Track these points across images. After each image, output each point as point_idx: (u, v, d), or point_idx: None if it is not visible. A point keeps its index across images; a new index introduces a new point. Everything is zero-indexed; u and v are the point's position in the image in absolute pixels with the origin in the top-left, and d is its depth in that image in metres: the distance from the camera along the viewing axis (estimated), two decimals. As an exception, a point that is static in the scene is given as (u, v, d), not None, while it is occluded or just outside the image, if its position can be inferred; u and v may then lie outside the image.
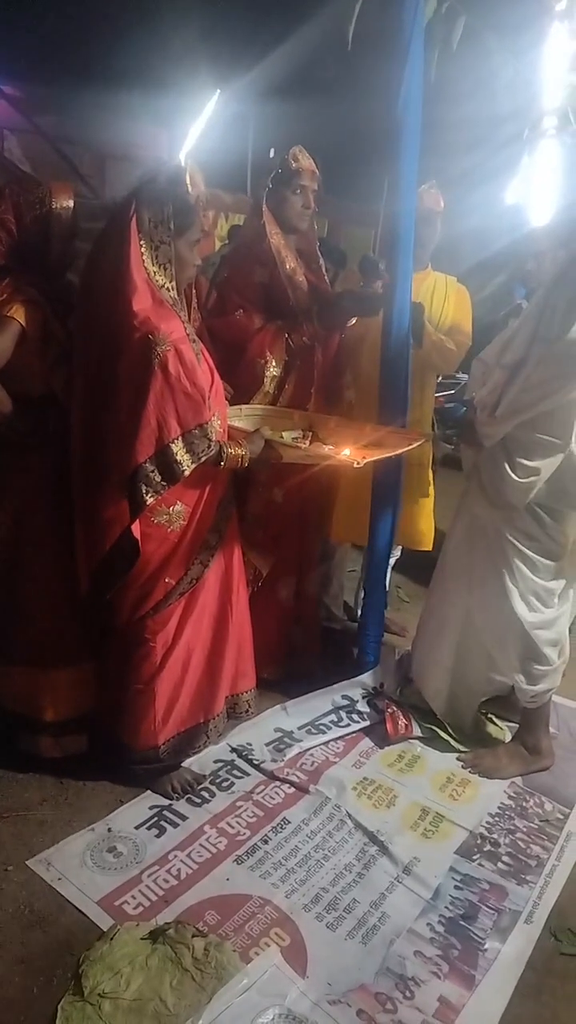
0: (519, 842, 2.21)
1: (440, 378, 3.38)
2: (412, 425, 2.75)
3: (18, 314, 2.01)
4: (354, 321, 2.86)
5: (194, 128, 6.79)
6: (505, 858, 2.14)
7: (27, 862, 1.99)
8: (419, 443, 2.57)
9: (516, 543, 2.31)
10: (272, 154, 2.60)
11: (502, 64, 2.72)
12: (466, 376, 4.70)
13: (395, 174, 2.52)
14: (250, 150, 7.11)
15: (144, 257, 1.92)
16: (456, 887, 2.02)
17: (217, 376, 2.11)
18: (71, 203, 2.11)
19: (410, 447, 2.46)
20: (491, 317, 3.44)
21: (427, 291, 2.95)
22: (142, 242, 1.91)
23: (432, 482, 3.15)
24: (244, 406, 2.44)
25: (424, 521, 3.12)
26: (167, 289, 1.96)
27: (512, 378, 2.18)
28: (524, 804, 2.38)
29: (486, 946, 1.85)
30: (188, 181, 1.97)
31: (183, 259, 2.00)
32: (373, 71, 2.53)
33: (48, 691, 2.27)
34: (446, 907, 1.96)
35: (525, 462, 2.20)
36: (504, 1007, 1.71)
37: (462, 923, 1.91)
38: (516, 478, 2.21)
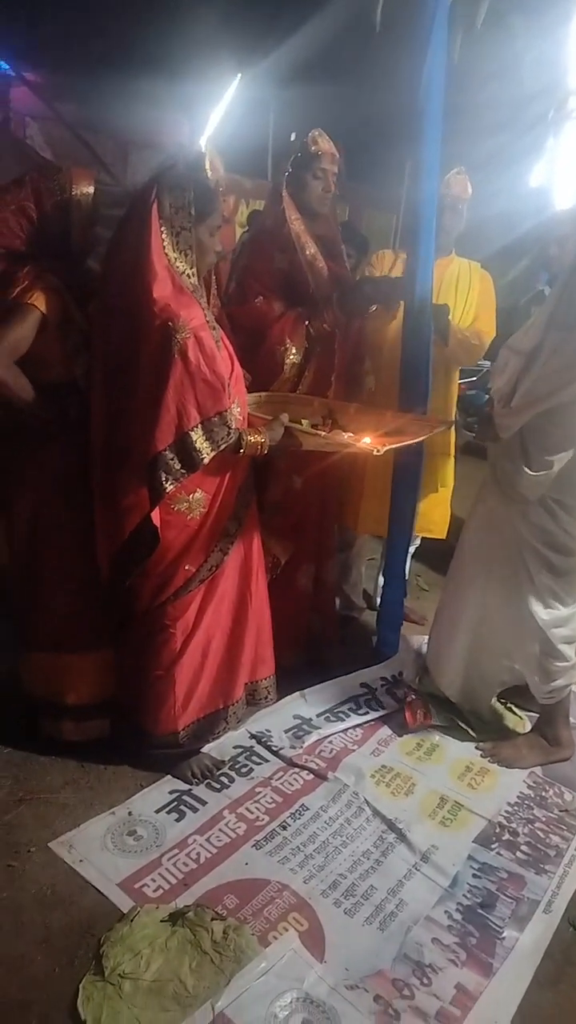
0: (538, 832, 2.20)
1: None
2: (434, 413, 2.73)
3: (39, 301, 2.01)
4: (375, 308, 2.83)
5: (215, 114, 6.75)
6: (524, 847, 2.14)
7: (49, 844, 2.02)
8: (439, 430, 2.55)
9: (531, 538, 2.29)
10: (292, 138, 2.57)
11: (526, 45, 2.68)
12: (489, 363, 4.66)
13: (417, 158, 2.49)
14: (271, 135, 7.05)
15: (165, 243, 1.91)
16: (474, 875, 2.02)
17: (237, 363, 2.11)
18: (91, 189, 2.11)
19: (431, 434, 2.44)
20: (513, 303, 3.40)
21: (451, 278, 2.92)
22: (163, 228, 1.90)
23: (452, 471, 3.13)
24: (264, 393, 2.44)
25: (440, 510, 3.10)
26: (188, 276, 1.95)
27: (528, 366, 2.14)
28: (544, 794, 2.37)
29: (504, 934, 1.85)
30: (208, 166, 1.96)
31: (204, 245, 1.99)
32: (396, 54, 2.50)
33: (70, 676, 2.29)
34: (464, 895, 1.96)
35: (540, 455, 2.17)
36: (522, 995, 1.71)
37: (480, 911, 1.91)
38: (529, 471, 2.18)
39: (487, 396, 2.32)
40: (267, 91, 6.58)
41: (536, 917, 1.91)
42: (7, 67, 6.45)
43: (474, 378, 4.70)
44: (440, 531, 3.14)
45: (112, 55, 5.62)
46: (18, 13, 5.23)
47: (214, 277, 2.19)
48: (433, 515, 3.09)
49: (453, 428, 3.04)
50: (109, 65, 5.55)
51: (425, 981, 1.72)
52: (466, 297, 2.93)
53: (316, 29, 4.59)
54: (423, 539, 3.27)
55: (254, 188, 6.73)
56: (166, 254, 1.90)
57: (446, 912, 1.90)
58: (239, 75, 6.57)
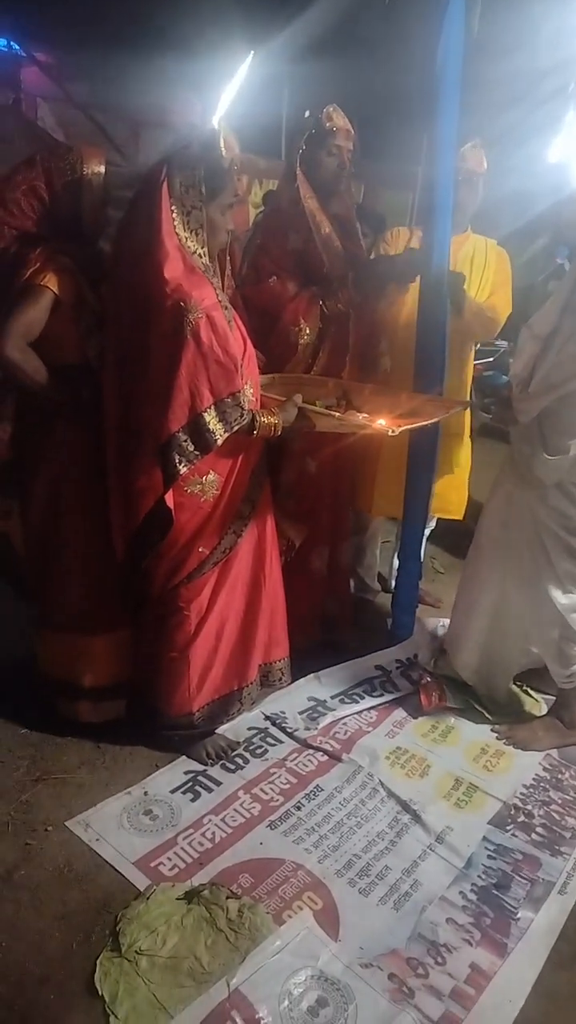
0: (553, 814, 2.20)
1: (479, 345, 3.30)
2: (450, 393, 2.70)
3: (51, 283, 2.00)
4: (391, 287, 2.80)
5: (227, 93, 6.67)
6: (539, 829, 2.13)
7: (66, 823, 2.04)
8: (455, 411, 2.52)
9: (549, 523, 2.27)
10: (307, 114, 2.53)
11: (545, 15, 2.61)
12: (506, 344, 4.60)
13: (434, 134, 2.44)
14: (284, 114, 6.96)
15: (176, 222, 1.89)
16: (489, 856, 2.02)
17: (250, 344, 2.09)
18: (102, 169, 2.09)
19: (447, 415, 2.41)
20: (530, 281, 3.35)
21: (466, 255, 2.87)
22: (173, 207, 1.88)
23: (469, 452, 3.10)
24: (277, 374, 2.42)
25: (456, 491, 3.08)
26: (199, 255, 1.93)
27: (544, 351, 2.11)
28: (559, 776, 2.36)
29: (519, 915, 1.85)
30: (223, 145, 1.93)
31: (215, 224, 1.97)
32: (411, 27, 2.44)
33: (87, 657, 2.31)
34: (479, 876, 1.96)
35: (558, 439, 2.14)
36: (536, 976, 1.71)
37: (495, 892, 1.91)
38: (547, 455, 2.16)
39: (505, 378, 2.29)
40: (280, 68, 6.47)
41: (551, 898, 1.91)
42: (18, 48, 6.40)
43: (491, 359, 4.64)
44: (457, 511, 3.12)
45: (123, 34, 5.55)
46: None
47: (228, 257, 2.17)
48: (450, 496, 3.07)
49: (469, 409, 3.00)
50: (120, 45, 5.49)
51: (439, 960, 1.72)
52: (482, 274, 2.88)
53: (330, 3, 4.51)
54: (438, 521, 3.25)
55: (268, 168, 6.65)
56: (177, 233, 1.88)
57: (461, 893, 1.91)
58: (252, 52, 6.48)
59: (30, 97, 6.47)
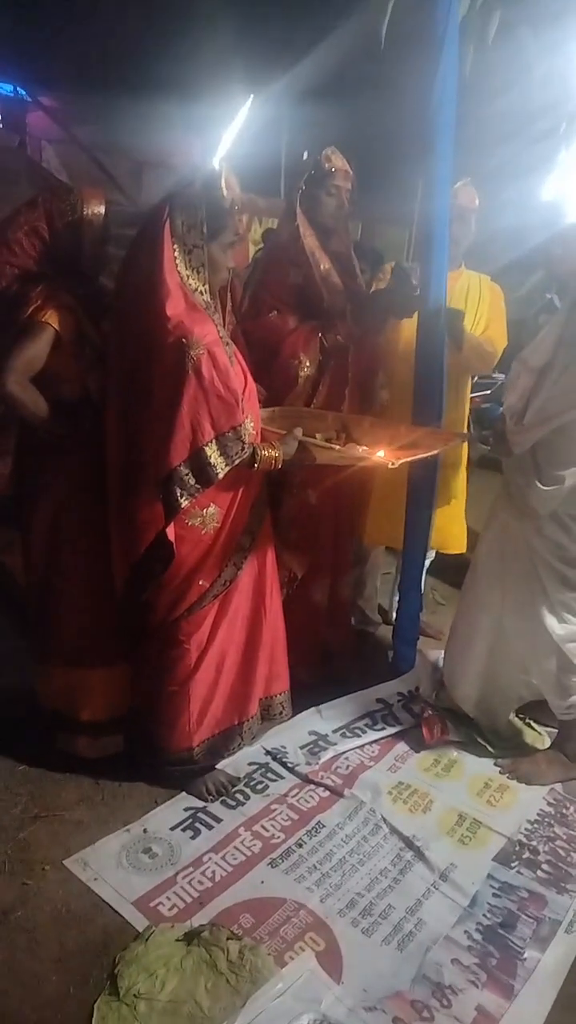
0: (559, 850, 2.16)
1: (476, 378, 3.33)
2: (448, 426, 2.72)
3: (52, 319, 2.04)
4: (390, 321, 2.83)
5: (228, 134, 6.83)
6: (544, 866, 2.10)
7: (64, 861, 2.01)
8: (454, 443, 2.53)
9: (545, 553, 2.27)
10: (305, 156, 2.59)
11: (537, 58, 2.68)
12: (503, 376, 4.63)
13: (429, 172, 2.49)
14: (283, 154, 7.12)
15: (177, 261, 1.92)
16: (494, 895, 1.99)
17: (250, 379, 2.11)
18: (102, 209, 2.13)
19: (445, 447, 2.43)
20: (525, 315, 3.39)
21: (460, 290, 2.91)
22: (175, 246, 1.92)
23: (465, 484, 3.11)
24: (278, 408, 2.44)
25: (456, 523, 3.08)
26: (200, 292, 1.96)
27: (539, 383, 2.13)
28: (564, 811, 2.33)
29: (525, 955, 1.81)
30: (224, 185, 1.98)
31: (216, 262, 2.00)
32: (407, 69, 2.51)
33: (85, 692, 2.30)
34: (484, 915, 1.92)
35: (552, 469, 2.15)
36: (544, 1018, 1.67)
37: (500, 931, 1.88)
38: (542, 486, 2.17)
39: (501, 410, 2.31)
40: (279, 111, 6.64)
41: (558, 937, 1.87)
42: (24, 92, 6.57)
43: (488, 391, 4.68)
44: (459, 546, 3.12)
45: (126, 78, 5.70)
46: (34, 40, 5.33)
47: (228, 294, 2.21)
48: (451, 529, 3.07)
49: (467, 441, 3.02)
50: (123, 88, 5.63)
51: (445, 1003, 1.68)
52: (476, 308, 2.92)
53: (327, 48, 4.64)
54: (438, 553, 3.25)
55: (268, 206, 6.78)
56: (178, 271, 1.92)
57: (466, 932, 1.87)
58: (251, 96, 6.65)
59: (35, 140, 6.64)
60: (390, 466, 2.16)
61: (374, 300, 2.78)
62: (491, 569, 2.44)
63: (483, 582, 2.47)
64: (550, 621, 2.29)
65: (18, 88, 6.57)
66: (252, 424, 2.06)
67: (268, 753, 2.48)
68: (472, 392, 3.18)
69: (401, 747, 2.57)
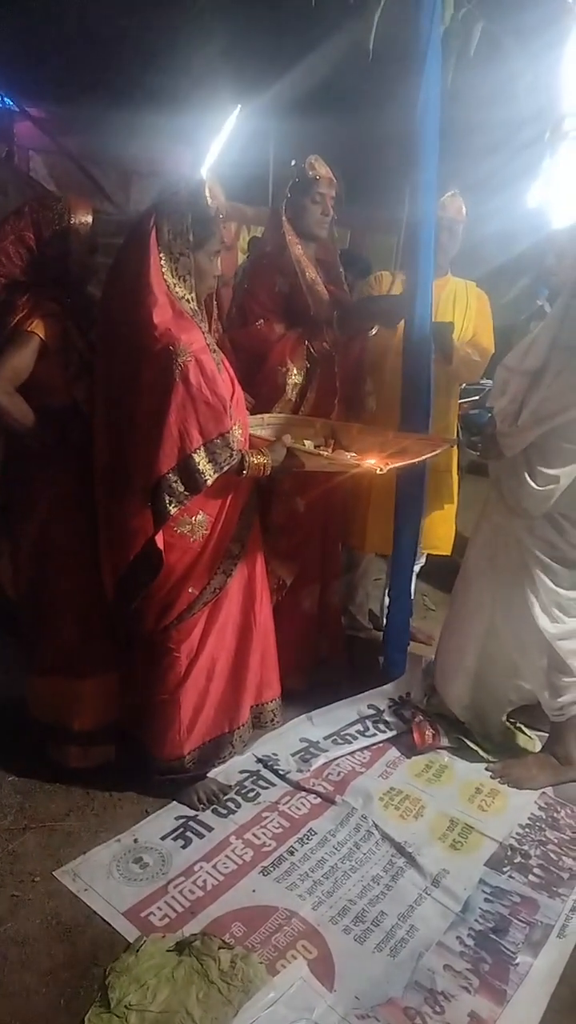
0: (550, 854, 2.16)
1: (464, 385, 3.36)
2: (437, 433, 2.74)
3: (38, 328, 2.04)
4: (375, 330, 2.85)
5: (215, 144, 6.86)
6: (536, 870, 2.10)
7: (54, 873, 2.00)
8: (443, 449, 2.55)
9: (537, 552, 2.28)
10: (292, 164, 2.61)
11: (521, 68, 2.71)
12: (490, 382, 4.67)
13: (415, 181, 2.51)
14: (271, 164, 7.16)
15: (164, 269, 1.93)
16: (486, 900, 1.99)
17: (238, 386, 2.12)
18: (89, 218, 2.14)
19: (433, 453, 2.44)
20: (513, 321, 3.41)
21: (447, 298, 2.94)
22: (161, 254, 1.92)
23: (456, 488, 3.13)
24: (266, 415, 2.45)
25: (444, 526, 3.10)
26: (187, 300, 1.97)
27: (533, 386, 2.15)
28: (555, 815, 2.33)
29: (517, 960, 1.81)
30: (208, 194, 1.98)
31: (202, 270, 2.01)
32: (391, 81, 2.53)
33: (76, 701, 2.28)
34: (476, 920, 1.92)
35: (545, 470, 2.17)
36: (537, 1023, 1.66)
37: (493, 936, 1.87)
38: (535, 486, 2.18)
39: (489, 415, 2.32)
40: (267, 121, 6.67)
41: (550, 942, 1.87)
42: (11, 103, 6.58)
43: (476, 397, 4.71)
44: (445, 547, 3.14)
45: (114, 88, 5.72)
46: (21, 50, 5.35)
47: (215, 302, 2.21)
48: (438, 531, 3.09)
49: (456, 446, 3.04)
50: (111, 98, 5.65)
51: (438, 1009, 1.68)
52: (463, 315, 2.95)
53: (314, 59, 4.67)
54: (428, 558, 3.26)
55: (255, 215, 6.81)
56: (165, 279, 1.92)
57: (458, 938, 1.87)
58: (239, 106, 6.68)
59: (23, 150, 6.64)
60: (379, 472, 2.17)
61: (360, 306, 2.79)
62: (481, 572, 2.45)
63: (473, 585, 2.48)
64: (542, 620, 2.30)
65: (5, 98, 6.58)
66: (240, 431, 2.06)
67: (259, 760, 2.47)
68: (460, 399, 3.21)
69: (392, 753, 2.57)
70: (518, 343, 2.28)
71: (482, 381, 4.06)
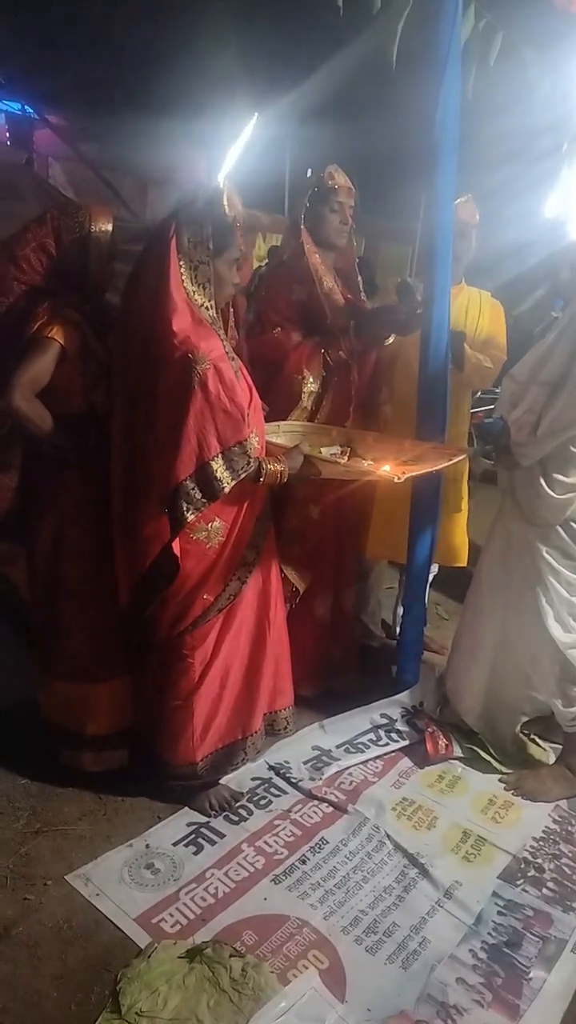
0: (564, 868, 2.15)
1: (479, 393, 3.35)
2: (450, 441, 2.73)
3: (57, 335, 2.06)
4: (391, 339, 2.85)
5: (232, 151, 6.90)
6: (550, 884, 2.08)
7: (66, 877, 2.00)
8: (458, 459, 2.54)
9: (551, 561, 2.28)
10: (309, 173, 2.63)
11: (539, 77, 2.71)
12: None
13: (433, 191, 2.52)
14: (287, 172, 7.20)
15: (183, 277, 1.94)
16: (499, 913, 1.97)
17: (256, 393, 2.13)
18: (110, 227, 2.15)
19: (450, 462, 2.43)
20: (528, 332, 3.41)
21: (461, 306, 2.93)
22: (181, 262, 1.93)
23: (467, 497, 3.12)
24: (282, 423, 2.45)
25: (458, 536, 3.09)
26: (206, 308, 1.98)
27: (552, 396, 2.16)
28: (570, 828, 2.31)
29: (531, 975, 1.80)
30: (226, 202, 2.00)
31: (222, 278, 2.02)
32: (409, 90, 2.54)
33: (89, 706, 2.29)
34: (489, 933, 1.90)
35: (562, 478, 2.17)
36: (550, 1039, 1.65)
37: (506, 950, 1.86)
38: (553, 495, 2.18)
39: (502, 424, 2.32)
40: (283, 129, 6.72)
41: (564, 956, 1.85)
42: (31, 111, 6.66)
43: (492, 406, 4.70)
44: (461, 558, 3.12)
45: (132, 97, 5.78)
46: (41, 59, 5.41)
47: (232, 310, 2.22)
48: (453, 542, 3.07)
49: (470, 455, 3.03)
50: (129, 106, 5.71)
51: (450, 1023, 1.67)
52: (476, 324, 2.94)
53: (330, 68, 4.70)
54: (441, 567, 3.25)
55: (272, 223, 6.85)
56: (184, 287, 1.93)
57: (471, 951, 1.85)
58: (256, 114, 6.73)
59: (42, 157, 6.72)
60: (396, 480, 2.17)
61: (376, 316, 2.80)
62: (494, 580, 2.44)
63: (486, 594, 2.48)
64: (555, 630, 2.29)
65: (25, 106, 6.66)
66: (257, 438, 2.07)
67: (271, 768, 2.46)
68: (473, 407, 3.20)
69: (405, 763, 2.56)
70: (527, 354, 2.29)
71: (496, 390, 4.06)
